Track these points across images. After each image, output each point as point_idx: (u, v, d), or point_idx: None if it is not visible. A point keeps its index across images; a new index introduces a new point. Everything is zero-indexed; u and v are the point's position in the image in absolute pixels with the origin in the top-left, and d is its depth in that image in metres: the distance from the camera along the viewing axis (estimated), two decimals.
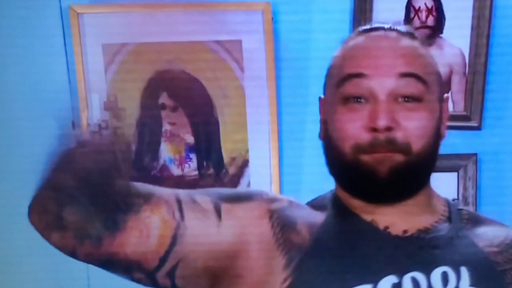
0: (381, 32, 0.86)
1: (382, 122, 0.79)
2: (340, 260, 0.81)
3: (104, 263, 0.80)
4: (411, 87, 0.81)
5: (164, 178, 1.47)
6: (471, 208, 1.48)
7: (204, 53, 1.46)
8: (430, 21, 1.47)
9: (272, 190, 1.48)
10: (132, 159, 0.84)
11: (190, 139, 1.49)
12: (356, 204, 0.85)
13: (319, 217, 0.86)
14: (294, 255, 0.81)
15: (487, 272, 0.82)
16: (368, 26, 0.88)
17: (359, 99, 0.81)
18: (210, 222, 0.81)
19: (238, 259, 0.82)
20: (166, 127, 1.48)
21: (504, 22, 1.47)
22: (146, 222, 0.78)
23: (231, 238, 0.81)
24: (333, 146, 0.84)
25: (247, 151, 1.49)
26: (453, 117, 1.43)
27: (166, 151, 1.48)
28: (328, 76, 0.88)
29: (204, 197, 0.83)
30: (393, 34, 0.85)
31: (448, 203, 0.90)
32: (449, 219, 0.87)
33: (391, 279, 0.78)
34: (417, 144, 0.81)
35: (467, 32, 1.46)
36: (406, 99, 0.81)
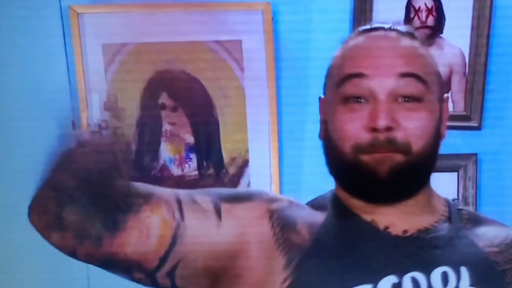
0: (381, 32, 0.86)
1: (382, 122, 0.79)
2: (340, 260, 0.81)
3: (104, 263, 0.80)
4: (411, 87, 0.81)
5: (164, 178, 1.47)
6: (471, 208, 1.47)
7: (204, 53, 1.46)
8: (430, 21, 1.47)
9: (272, 190, 1.48)
10: (132, 159, 0.84)
11: (190, 139, 1.49)
12: (356, 204, 0.85)
13: (319, 217, 0.86)
14: (294, 255, 0.81)
15: (487, 272, 0.82)
16: (368, 26, 0.88)
17: (359, 99, 0.81)
18: (210, 222, 0.81)
19: (238, 259, 0.82)
20: (166, 127, 1.48)
21: (504, 22, 1.47)
22: (146, 222, 0.78)
23: (231, 238, 0.81)
24: (333, 146, 0.84)
25: (247, 151, 1.49)
26: (453, 117, 1.43)
27: (166, 151, 1.48)
28: (328, 76, 0.88)
29: (204, 197, 0.83)
30: (393, 34, 0.85)
31: (448, 203, 0.90)
32: (449, 219, 0.87)
33: (391, 279, 0.78)
34: (417, 144, 0.81)
35: (467, 32, 1.46)
36: (406, 99, 0.81)
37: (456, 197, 1.51)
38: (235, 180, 1.49)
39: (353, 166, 0.82)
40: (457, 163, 1.50)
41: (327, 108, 0.87)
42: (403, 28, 0.86)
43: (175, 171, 1.48)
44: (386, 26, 0.86)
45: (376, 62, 0.82)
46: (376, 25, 0.87)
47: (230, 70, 1.47)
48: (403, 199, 0.84)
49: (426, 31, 1.46)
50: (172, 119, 1.48)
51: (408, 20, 1.46)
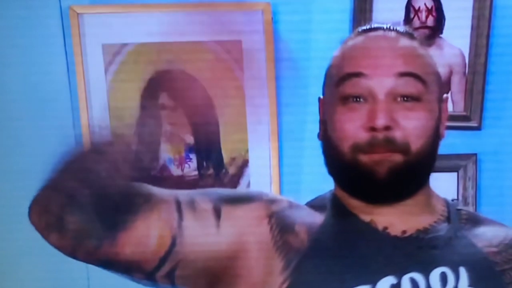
0: (380, 32, 0.86)
1: (380, 122, 0.79)
2: (339, 261, 0.81)
3: (103, 263, 0.80)
4: (410, 86, 0.81)
5: (164, 178, 1.47)
6: (470, 208, 1.48)
7: (204, 53, 1.46)
8: (430, 21, 1.47)
9: (272, 190, 1.48)
10: (132, 159, 0.83)
11: (190, 139, 1.49)
12: (355, 204, 0.85)
13: (318, 218, 0.86)
14: (292, 258, 0.81)
15: (485, 272, 0.81)
16: (367, 27, 0.88)
17: (358, 99, 0.81)
18: (210, 223, 0.81)
19: (237, 260, 0.82)
20: (166, 127, 1.48)
21: (504, 22, 1.47)
22: (145, 224, 0.78)
23: (230, 239, 0.82)
24: (332, 146, 0.84)
25: (247, 151, 1.49)
26: (453, 117, 1.43)
27: (166, 151, 1.48)
28: (328, 76, 0.88)
29: (203, 198, 0.83)
30: (392, 34, 0.85)
31: (447, 203, 0.90)
32: (448, 219, 0.87)
33: (390, 280, 0.78)
34: (416, 144, 0.81)
35: (467, 32, 1.46)
36: (405, 98, 0.81)
37: (456, 197, 1.51)
38: (235, 180, 1.49)
39: (351, 166, 0.82)
40: (457, 163, 1.50)
41: (326, 108, 0.87)
42: (402, 28, 0.87)
43: (175, 171, 1.48)
44: (385, 26, 0.86)
45: (375, 61, 0.82)
46: (375, 25, 0.87)
47: (230, 70, 1.47)
48: (402, 199, 0.84)
49: (426, 31, 1.46)
50: (172, 119, 1.48)
51: (408, 20, 1.46)
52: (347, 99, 0.82)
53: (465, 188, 1.51)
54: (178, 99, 1.47)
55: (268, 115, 1.47)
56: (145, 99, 1.47)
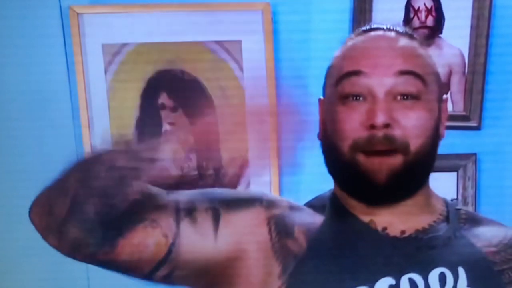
0: (380, 32, 0.86)
1: (380, 119, 0.79)
2: (337, 261, 0.81)
3: (101, 266, 0.80)
4: (409, 85, 0.81)
5: (163, 178, 1.47)
6: (470, 208, 1.48)
7: (203, 53, 1.46)
8: (430, 21, 1.47)
9: (272, 190, 1.48)
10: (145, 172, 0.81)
11: (190, 139, 1.49)
12: (354, 204, 0.85)
13: (318, 218, 0.86)
14: (290, 262, 0.81)
15: (484, 272, 0.81)
16: (367, 27, 0.88)
17: (357, 98, 0.81)
18: (208, 232, 0.81)
19: (235, 264, 0.82)
20: (165, 127, 1.48)
21: (503, 22, 1.47)
22: (143, 232, 0.78)
23: (229, 246, 0.82)
24: (331, 146, 0.84)
25: (247, 151, 1.49)
26: (453, 117, 1.43)
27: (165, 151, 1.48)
28: (328, 76, 0.88)
29: (203, 204, 0.83)
30: (392, 34, 0.85)
31: (446, 203, 0.90)
32: (447, 219, 0.87)
33: (388, 280, 0.78)
34: (415, 143, 0.81)
35: (467, 32, 1.46)
36: (404, 97, 0.81)
37: (455, 197, 1.51)
38: (235, 180, 1.49)
39: (351, 167, 0.81)
40: (456, 163, 1.50)
41: (325, 108, 0.87)
42: (402, 28, 0.87)
43: (175, 171, 1.48)
44: (385, 27, 0.86)
45: (374, 60, 0.82)
46: (375, 25, 0.88)
47: (229, 70, 1.47)
48: (402, 201, 0.84)
49: (426, 31, 1.46)
50: (171, 119, 1.48)
51: (407, 20, 1.46)
52: (347, 98, 0.82)
53: (464, 188, 1.51)
54: (178, 99, 1.47)
55: (268, 115, 1.47)
56: (145, 99, 1.47)
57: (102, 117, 1.47)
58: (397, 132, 0.80)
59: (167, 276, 0.80)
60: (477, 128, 1.50)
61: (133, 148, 0.80)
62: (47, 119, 1.46)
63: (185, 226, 0.80)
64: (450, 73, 1.48)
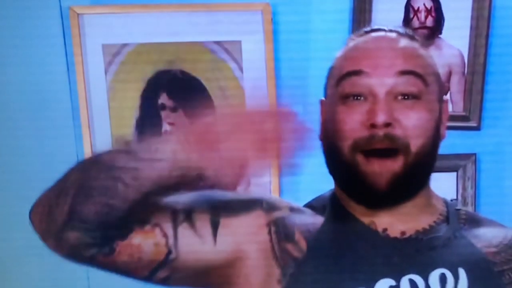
0: (381, 33, 0.86)
1: (381, 118, 0.78)
2: (338, 263, 0.81)
3: (101, 268, 0.80)
4: (410, 85, 0.81)
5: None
6: (470, 208, 1.48)
7: (203, 53, 1.46)
8: (429, 21, 1.47)
9: (272, 190, 1.48)
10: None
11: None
12: (354, 205, 0.85)
13: (318, 220, 0.86)
14: (290, 266, 0.81)
15: (485, 273, 0.82)
16: (368, 28, 0.88)
17: (358, 97, 0.81)
18: (206, 235, 0.81)
19: (234, 268, 0.82)
20: (165, 127, 1.49)
21: (503, 22, 1.47)
22: (141, 236, 0.78)
23: (228, 250, 0.82)
24: (331, 146, 0.84)
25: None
26: (452, 117, 1.43)
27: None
28: (329, 77, 0.88)
29: (201, 207, 0.82)
30: (393, 35, 0.85)
31: (446, 203, 0.90)
32: (447, 219, 0.87)
33: (389, 281, 0.78)
34: (416, 143, 0.80)
35: (466, 32, 1.46)
36: (405, 97, 0.81)
37: (455, 197, 1.51)
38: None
39: (351, 168, 0.81)
40: (456, 163, 1.50)
41: (326, 108, 0.87)
42: (403, 30, 0.87)
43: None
44: (386, 28, 0.87)
45: (375, 60, 0.82)
46: (376, 27, 0.88)
47: (229, 71, 1.47)
48: (403, 203, 0.84)
49: (425, 31, 1.47)
50: (171, 119, 1.48)
51: (407, 20, 1.46)
52: (347, 98, 0.82)
53: (464, 188, 1.52)
54: (178, 99, 1.47)
55: (267, 115, 1.47)
56: (145, 99, 1.47)
57: (102, 117, 1.48)
58: (398, 132, 0.80)
59: (166, 278, 0.81)
60: (477, 128, 1.50)
61: (133, 148, 0.80)
62: (47, 119, 1.46)
63: (184, 229, 0.80)
64: (449, 74, 1.48)
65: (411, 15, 1.47)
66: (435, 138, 0.84)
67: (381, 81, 0.80)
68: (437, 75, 0.86)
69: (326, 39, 1.44)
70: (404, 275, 0.79)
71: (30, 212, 0.79)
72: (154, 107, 1.48)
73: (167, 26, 1.45)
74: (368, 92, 0.81)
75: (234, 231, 0.82)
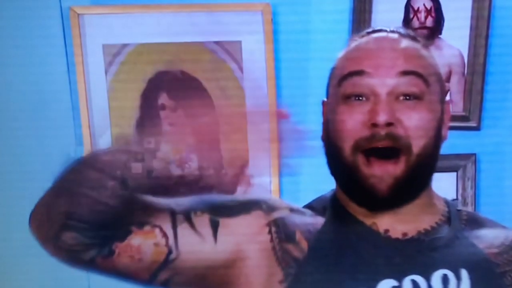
0: (383, 34, 0.86)
1: (382, 118, 0.78)
2: (339, 263, 0.81)
3: (102, 272, 0.80)
4: (412, 85, 0.81)
5: (164, 178, 1.47)
6: (469, 208, 1.48)
7: (203, 53, 1.46)
8: (429, 22, 1.47)
9: (272, 190, 1.48)
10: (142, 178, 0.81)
11: (190, 139, 1.49)
12: (355, 207, 0.85)
13: (319, 221, 0.86)
14: (292, 266, 0.81)
15: (487, 274, 0.82)
16: (370, 29, 0.88)
17: (359, 98, 0.81)
18: (207, 235, 0.81)
19: (235, 269, 0.82)
20: (166, 127, 1.49)
21: (503, 22, 1.47)
22: (140, 236, 0.78)
23: (229, 250, 0.82)
24: (333, 147, 0.84)
25: (247, 151, 1.49)
26: (452, 118, 1.42)
27: (166, 152, 1.48)
28: (331, 77, 0.88)
29: (200, 208, 0.83)
30: (395, 35, 0.85)
31: (447, 204, 0.90)
32: (448, 220, 0.87)
33: (391, 282, 0.79)
34: (418, 144, 0.80)
35: (466, 32, 1.46)
36: (407, 97, 0.81)
37: (455, 197, 1.51)
38: (235, 180, 1.49)
39: (351, 170, 0.81)
40: (456, 163, 1.50)
41: (328, 109, 0.87)
42: (405, 31, 0.87)
43: (175, 171, 1.48)
44: (388, 28, 0.87)
45: (377, 61, 0.82)
46: (378, 27, 0.88)
47: (229, 71, 1.47)
48: (404, 205, 0.84)
49: (425, 32, 1.47)
50: (172, 119, 1.48)
51: (407, 21, 1.46)
52: (349, 98, 0.82)
53: (464, 188, 1.52)
54: (178, 99, 1.47)
55: (268, 115, 1.47)
56: (145, 99, 1.47)
57: (102, 117, 1.48)
58: (400, 131, 0.80)
59: (167, 281, 0.80)
60: (477, 128, 1.50)
61: (131, 147, 0.80)
62: (47, 119, 1.46)
63: (184, 229, 0.80)
64: (449, 74, 1.48)
65: (411, 16, 1.47)
66: (437, 138, 0.84)
67: (383, 81, 0.80)
68: (438, 75, 0.86)
69: (326, 39, 1.44)
70: (406, 275, 0.79)
71: (30, 219, 0.79)
72: (154, 107, 1.48)
73: (167, 26, 1.45)
74: (370, 92, 0.81)
75: (234, 231, 0.82)
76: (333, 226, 0.85)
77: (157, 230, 0.79)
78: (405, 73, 0.81)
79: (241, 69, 1.47)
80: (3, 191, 1.46)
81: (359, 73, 0.81)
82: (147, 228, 0.79)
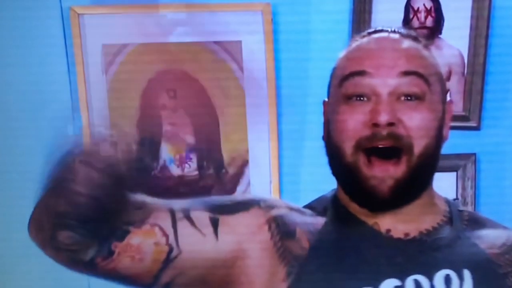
0: (384, 34, 0.86)
1: (384, 118, 0.79)
2: (342, 262, 0.81)
3: (104, 275, 0.80)
4: (413, 85, 0.81)
5: (164, 178, 1.47)
6: (469, 208, 1.48)
7: (204, 53, 1.46)
8: (429, 22, 1.47)
9: (272, 190, 1.48)
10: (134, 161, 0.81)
11: (190, 139, 1.49)
12: (357, 207, 0.85)
13: (319, 221, 0.86)
14: (294, 263, 0.81)
15: (489, 274, 0.82)
16: (371, 29, 0.88)
17: (361, 98, 0.81)
18: (207, 233, 0.81)
19: (237, 268, 0.82)
20: (166, 127, 1.49)
21: (503, 22, 1.47)
22: (139, 248, 0.78)
23: (229, 248, 0.82)
24: (334, 147, 0.84)
25: (247, 151, 1.49)
26: (452, 117, 1.43)
27: (166, 151, 1.49)
28: (332, 77, 0.88)
29: (199, 207, 0.83)
30: (396, 36, 0.86)
31: (448, 204, 0.90)
32: (450, 220, 0.87)
33: (393, 282, 0.79)
34: (420, 144, 0.80)
35: (466, 32, 1.46)
36: (408, 98, 0.81)
37: (455, 197, 1.51)
38: (235, 180, 1.49)
39: (352, 171, 0.81)
40: (456, 163, 1.50)
41: (329, 109, 0.87)
42: (406, 31, 0.87)
43: (175, 171, 1.49)
44: (389, 29, 0.87)
45: (378, 61, 0.82)
46: (379, 28, 0.88)
47: (229, 71, 1.47)
48: (405, 205, 0.84)
49: (425, 32, 1.47)
50: (172, 119, 1.48)
51: (407, 21, 1.46)
52: (350, 98, 0.82)
53: (464, 188, 1.52)
54: (178, 99, 1.48)
55: (268, 115, 1.47)
56: (146, 99, 1.47)
57: (102, 117, 1.48)
58: (401, 131, 0.80)
59: (170, 283, 0.80)
60: (477, 128, 1.50)
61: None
62: (47, 119, 1.46)
63: (184, 227, 0.80)
64: (449, 74, 1.49)
65: (411, 16, 1.47)
66: (438, 139, 0.84)
67: (384, 81, 0.80)
68: (440, 75, 0.86)
69: (326, 39, 1.44)
70: (408, 275, 0.79)
71: (28, 227, 0.79)
72: (155, 107, 1.48)
73: (167, 27, 1.45)
74: (371, 93, 0.81)
75: (233, 229, 0.82)
76: (334, 226, 0.85)
77: (156, 229, 0.79)
78: (406, 73, 0.81)
79: (241, 69, 1.47)
80: (3, 191, 1.46)
81: (361, 73, 0.81)
82: (146, 227, 0.78)
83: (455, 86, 1.49)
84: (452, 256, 0.82)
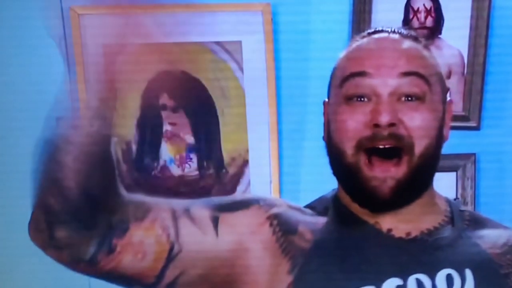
0: (384, 34, 0.86)
1: (384, 118, 0.79)
2: (344, 261, 0.81)
3: (103, 278, 0.80)
4: (414, 86, 0.81)
5: (164, 178, 1.47)
6: (469, 208, 1.48)
7: (204, 54, 1.46)
8: (429, 22, 1.47)
9: (272, 190, 1.48)
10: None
11: (190, 139, 1.49)
12: (358, 207, 0.85)
13: (320, 220, 0.86)
14: (298, 257, 0.81)
15: (491, 274, 0.82)
16: (372, 30, 0.89)
17: (361, 98, 0.82)
18: (208, 231, 0.81)
19: (239, 266, 0.82)
20: (166, 127, 1.49)
21: (502, 22, 1.48)
22: (140, 244, 0.78)
23: (231, 246, 0.82)
24: (335, 147, 0.84)
25: (247, 151, 1.49)
26: (452, 117, 1.44)
27: (166, 151, 1.49)
28: (332, 77, 0.88)
29: (199, 206, 0.83)
30: (396, 36, 0.86)
31: (449, 203, 0.90)
32: (451, 220, 0.87)
33: (396, 281, 0.79)
34: (420, 144, 0.81)
35: (466, 32, 1.47)
36: (408, 98, 0.81)
37: (455, 197, 1.51)
38: (235, 180, 1.49)
39: (353, 171, 0.81)
40: (455, 163, 1.50)
41: (330, 109, 0.87)
42: (406, 31, 0.87)
43: (176, 171, 1.49)
44: (389, 29, 0.87)
45: (378, 61, 0.82)
46: (379, 28, 0.88)
47: (230, 71, 1.48)
48: (406, 205, 0.84)
49: (425, 32, 1.47)
50: (172, 119, 1.48)
51: (407, 21, 1.46)
52: (351, 99, 0.82)
53: (463, 188, 1.52)
54: (178, 99, 1.48)
55: (268, 115, 1.48)
56: (146, 99, 1.47)
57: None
58: (402, 131, 0.80)
59: (172, 283, 0.80)
60: (476, 128, 1.50)
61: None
62: (47, 120, 1.46)
63: (184, 223, 0.80)
64: (449, 74, 1.49)
65: (411, 16, 1.47)
66: (439, 139, 0.84)
67: (385, 82, 0.81)
68: (440, 75, 0.87)
69: (326, 39, 1.44)
70: (410, 274, 0.79)
71: (28, 230, 0.78)
72: (155, 107, 1.48)
73: (167, 27, 1.45)
74: (372, 93, 0.81)
75: (234, 226, 0.82)
76: (335, 225, 0.85)
77: (157, 225, 0.79)
78: (407, 73, 0.81)
79: (241, 69, 1.47)
80: (3, 191, 1.46)
81: (361, 74, 0.81)
82: (146, 223, 0.78)
83: (455, 86, 1.49)
84: (453, 255, 0.82)
